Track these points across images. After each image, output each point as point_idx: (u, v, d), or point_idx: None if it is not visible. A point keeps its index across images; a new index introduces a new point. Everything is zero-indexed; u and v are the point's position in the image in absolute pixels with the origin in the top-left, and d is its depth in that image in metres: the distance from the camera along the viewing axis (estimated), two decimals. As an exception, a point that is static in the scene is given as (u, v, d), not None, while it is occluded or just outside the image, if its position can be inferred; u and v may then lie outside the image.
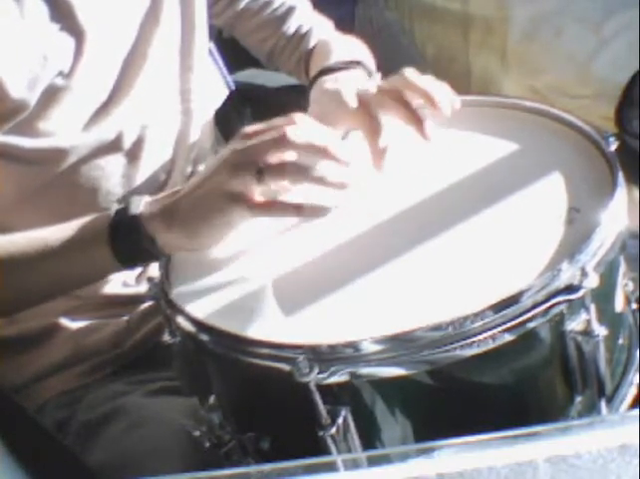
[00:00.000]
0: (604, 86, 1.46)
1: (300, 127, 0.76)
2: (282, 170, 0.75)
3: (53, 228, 0.84)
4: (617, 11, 1.49)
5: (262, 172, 0.75)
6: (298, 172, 0.76)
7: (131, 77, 0.93)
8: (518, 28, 1.53)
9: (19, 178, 0.90)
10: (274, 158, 0.75)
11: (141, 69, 0.94)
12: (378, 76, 1.00)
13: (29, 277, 0.84)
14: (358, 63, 0.98)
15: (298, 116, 0.78)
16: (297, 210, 0.76)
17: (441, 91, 0.86)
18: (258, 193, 0.75)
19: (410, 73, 0.87)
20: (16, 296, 0.85)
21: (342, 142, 0.77)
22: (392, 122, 0.86)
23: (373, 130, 0.85)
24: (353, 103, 0.88)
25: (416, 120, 0.84)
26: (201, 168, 1.04)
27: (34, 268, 0.84)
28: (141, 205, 0.80)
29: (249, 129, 0.78)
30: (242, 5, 1.12)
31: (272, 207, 0.76)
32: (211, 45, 1.13)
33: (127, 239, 0.80)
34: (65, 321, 0.98)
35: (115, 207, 0.82)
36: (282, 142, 0.75)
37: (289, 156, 0.75)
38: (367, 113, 0.86)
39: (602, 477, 0.46)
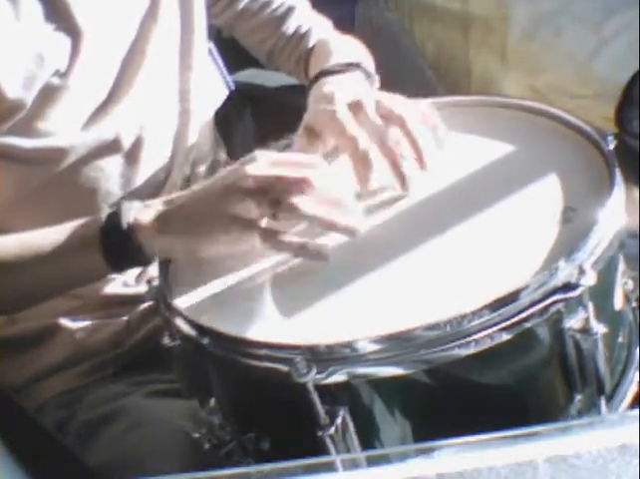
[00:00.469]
0: (604, 86, 1.46)
1: (320, 173, 0.78)
2: (298, 209, 0.76)
3: (45, 230, 0.84)
4: (617, 11, 1.49)
5: (277, 205, 0.76)
6: (312, 214, 0.76)
7: (129, 76, 0.93)
8: (518, 28, 1.53)
9: (18, 178, 0.90)
10: (293, 196, 0.76)
11: (139, 68, 0.94)
12: (377, 78, 1.00)
13: (22, 279, 0.85)
14: (357, 65, 0.98)
15: (315, 159, 0.80)
16: (301, 249, 0.77)
17: (425, 145, 0.85)
18: (265, 223, 0.76)
19: (407, 116, 0.85)
20: (10, 297, 0.86)
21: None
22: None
23: (362, 163, 0.84)
24: (345, 123, 0.86)
25: (398, 174, 0.83)
26: (201, 169, 1.04)
27: (27, 271, 0.84)
28: (132, 210, 0.80)
29: (263, 156, 0.79)
30: (242, 5, 1.12)
31: (277, 240, 0.77)
32: (211, 45, 1.13)
33: (117, 244, 0.80)
34: (65, 321, 0.98)
35: (106, 210, 0.82)
36: (304, 184, 0.76)
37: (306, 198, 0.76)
38: (357, 144, 0.85)
39: (602, 477, 0.46)
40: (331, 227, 0.77)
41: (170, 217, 0.80)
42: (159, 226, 0.79)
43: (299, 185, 0.76)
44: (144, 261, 0.81)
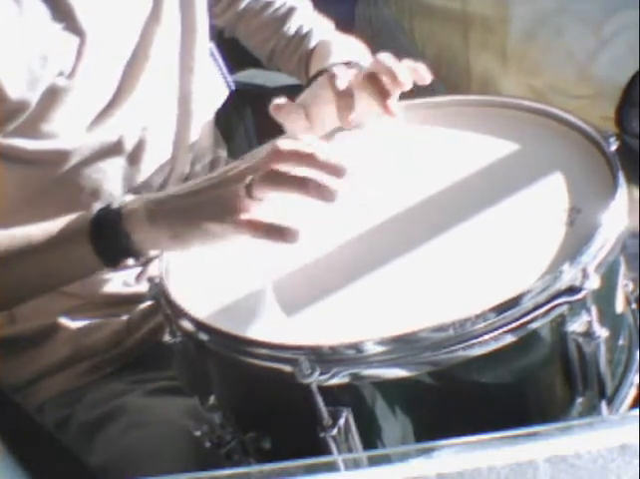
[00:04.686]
0: (604, 86, 1.46)
1: (292, 139, 0.77)
2: (266, 178, 0.74)
3: (37, 225, 0.83)
4: (617, 11, 1.49)
5: (250, 184, 0.74)
6: (283, 179, 0.74)
7: (132, 78, 0.93)
8: (518, 28, 1.53)
9: (21, 179, 0.90)
10: (262, 169, 0.75)
11: (142, 70, 0.94)
12: None
13: (14, 274, 0.83)
14: (355, 64, 0.99)
15: (302, 136, 0.78)
16: (276, 234, 0.74)
17: (405, 70, 0.87)
18: (250, 210, 0.74)
19: (381, 55, 0.89)
20: (4, 292, 0.85)
21: (332, 152, 0.76)
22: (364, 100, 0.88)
23: (343, 98, 0.87)
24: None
25: (381, 93, 0.85)
26: (199, 167, 1.04)
27: (18, 265, 0.83)
28: (122, 202, 0.80)
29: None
30: (243, 5, 1.12)
31: (250, 225, 0.74)
32: (212, 45, 1.13)
33: (107, 236, 0.79)
34: (65, 321, 0.98)
35: (98, 205, 0.81)
36: (272, 154, 0.75)
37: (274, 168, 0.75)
38: (339, 88, 0.88)
39: (602, 477, 0.46)
40: (303, 186, 0.73)
41: (161, 207, 0.79)
42: (148, 215, 0.78)
43: (268, 155, 0.75)
44: (134, 252, 0.79)
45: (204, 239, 0.77)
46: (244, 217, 0.74)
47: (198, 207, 0.77)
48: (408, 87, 0.86)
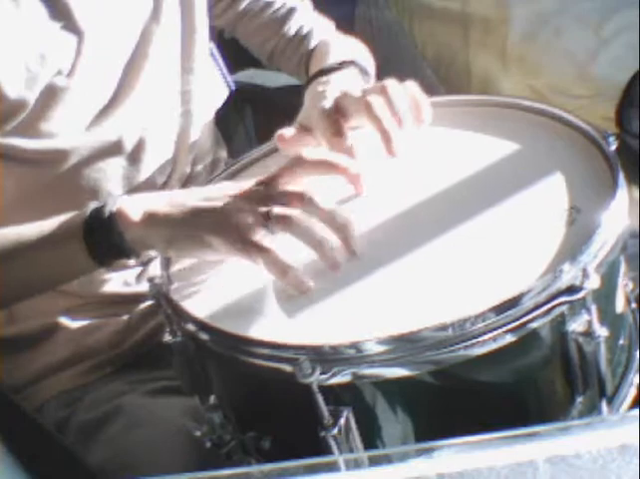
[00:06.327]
0: (604, 86, 1.46)
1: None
2: (289, 222, 0.74)
3: (30, 224, 0.82)
4: (617, 11, 1.49)
5: (269, 216, 0.74)
6: (303, 229, 0.74)
7: (132, 78, 0.94)
8: (518, 28, 1.53)
9: (20, 179, 0.90)
10: (287, 209, 0.74)
11: (142, 70, 0.94)
12: (372, 74, 1.00)
13: (7, 272, 0.82)
14: (351, 62, 0.98)
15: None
16: (283, 272, 0.73)
17: (407, 109, 0.86)
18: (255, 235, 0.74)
19: (389, 83, 0.87)
20: None
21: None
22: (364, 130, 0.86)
23: (335, 134, 0.85)
24: (327, 105, 0.88)
25: (384, 137, 0.84)
26: (200, 167, 1.04)
27: (11, 264, 0.82)
28: (117, 202, 0.79)
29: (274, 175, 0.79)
30: (243, 6, 1.12)
31: (262, 253, 0.74)
32: (212, 45, 1.13)
33: (100, 235, 0.78)
34: (65, 321, 0.98)
35: (93, 204, 0.80)
36: (301, 197, 0.75)
37: (300, 214, 0.75)
38: (335, 118, 0.86)
39: (602, 477, 0.46)
40: (318, 246, 0.74)
41: (161, 209, 0.78)
42: (145, 216, 0.77)
43: (297, 195, 0.75)
44: (127, 252, 0.79)
45: (201, 251, 0.77)
46: (256, 241, 0.74)
47: (202, 217, 0.76)
48: (410, 127, 0.85)
